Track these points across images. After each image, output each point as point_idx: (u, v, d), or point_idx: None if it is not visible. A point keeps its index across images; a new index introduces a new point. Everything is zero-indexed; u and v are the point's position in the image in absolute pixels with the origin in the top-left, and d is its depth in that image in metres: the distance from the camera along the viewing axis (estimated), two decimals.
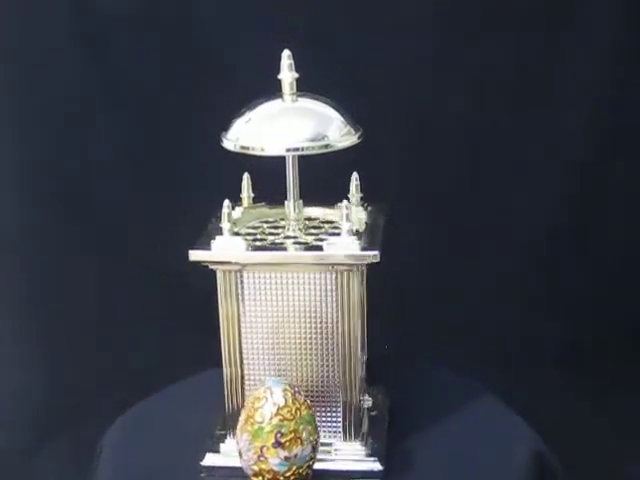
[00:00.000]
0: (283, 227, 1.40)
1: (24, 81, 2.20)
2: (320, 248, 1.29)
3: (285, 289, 1.30)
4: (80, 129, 2.22)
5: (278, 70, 1.32)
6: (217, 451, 1.36)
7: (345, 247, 1.27)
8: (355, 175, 1.46)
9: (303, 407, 1.23)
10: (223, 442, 1.36)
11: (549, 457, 1.45)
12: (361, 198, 1.45)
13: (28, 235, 2.26)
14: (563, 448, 1.86)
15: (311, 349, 1.33)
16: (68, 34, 2.17)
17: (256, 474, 1.23)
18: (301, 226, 1.38)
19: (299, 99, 1.32)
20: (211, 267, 1.30)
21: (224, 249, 1.28)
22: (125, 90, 2.21)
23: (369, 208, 1.43)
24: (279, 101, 1.33)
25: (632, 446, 2.15)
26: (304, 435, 1.22)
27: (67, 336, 2.28)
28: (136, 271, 2.28)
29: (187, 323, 2.26)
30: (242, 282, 1.30)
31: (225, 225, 1.28)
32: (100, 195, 2.25)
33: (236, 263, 1.29)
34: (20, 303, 2.30)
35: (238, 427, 1.24)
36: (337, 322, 1.31)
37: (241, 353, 1.32)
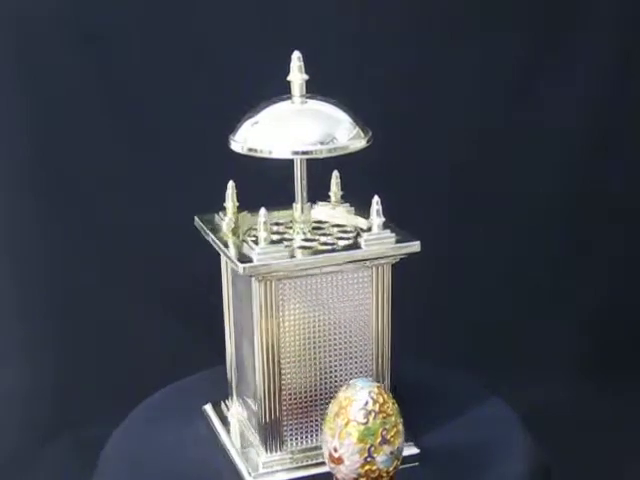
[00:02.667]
0: (285, 232, 1.39)
1: (24, 81, 2.18)
2: (358, 246, 1.29)
3: (322, 292, 1.30)
4: (80, 129, 2.21)
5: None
6: (259, 469, 1.32)
7: (384, 242, 1.28)
8: (335, 173, 1.45)
9: (393, 400, 1.23)
10: (258, 458, 1.33)
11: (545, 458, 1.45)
12: (342, 196, 1.45)
13: (28, 235, 2.25)
14: (563, 448, 1.87)
15: (347, 348, 1.33)
16: (68, 34, 2.16)
17: (361, 476, 1.21)
18: (310, 228, 1.37)
19: (308, 101, 1.31)
20: (254, 278, 1.25)
21: (271, 259, 1.24)
22: (126, 90, 2.20)
23: (352, 206, 1.44)
24: (288, 103, 1.31)
25: (632, 446, 2.16)
26: (400, 427, 1.22)
27: (67, 336, 2.27)
28: (136, 271, 2.28)
29: (187, 323, 2.26)
30: (282, 290, 1.27)
31: (262, 234, 1.24)
32: (100, 195, 2.24)
33: (282, 271, 1.25)
34: (19, 303, 2.29)
35: (335, 434, 1.20)
36: (371, 318, 1.32)
37: (280, 364, 1.29)
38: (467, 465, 1.34)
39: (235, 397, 1.46)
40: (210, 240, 1.37)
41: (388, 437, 1.19)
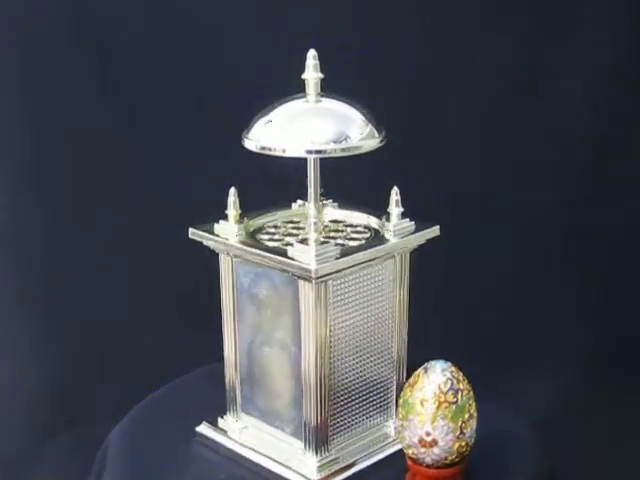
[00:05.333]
0: (299, 232, 1.38)
1: (24, 81, 2.18)
2: (384, 238, 1.31)
3: (357, 287, 1.30)
4: (81, 129, 2.20)
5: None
6: (316, 474, 1.31)
7: (408, 230, 1.32)
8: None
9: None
10: (310, 462, 1.31)
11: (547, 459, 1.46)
12: (321, 194, 1.44)
13: (28, 235, 2.25)
14: (564, 447, 1.87)
15: (374, 339, 1.34)
16: (69, 35, 2.16)
17: (451, 454, 1.23)
18: (323, 227, 1.37)
19: (323, 99, 1.30)
20: (307, 281, 1.23)
21: (327, 259, 1.23)
22: (127, 90, 2.20)
23: (335, 203, 1.46)
24: (302, 101, 1.30)
25: (632, 446, 2.17)
26: (474, 400, 1.25)
27: (67, 336, 2.27)
28: (136, 271, 2.28)
29: (188, 323, 2.26)
30: (327, 290, 1.27)
31: (312, 235, 1.23)
32: (100, 194, 2.24)
33: (337, 270, 1.25)
34: (19, 303, 2.28)
35: (425, 419, 1.21)
36: (394, 306, 1.34)
37: (329, 365, 1.29)
38: (468, 465, 1.33)
39: (240, 407, 1.43)
40: (232, 248, 1.34)
41: (472, 411, 1.24)
